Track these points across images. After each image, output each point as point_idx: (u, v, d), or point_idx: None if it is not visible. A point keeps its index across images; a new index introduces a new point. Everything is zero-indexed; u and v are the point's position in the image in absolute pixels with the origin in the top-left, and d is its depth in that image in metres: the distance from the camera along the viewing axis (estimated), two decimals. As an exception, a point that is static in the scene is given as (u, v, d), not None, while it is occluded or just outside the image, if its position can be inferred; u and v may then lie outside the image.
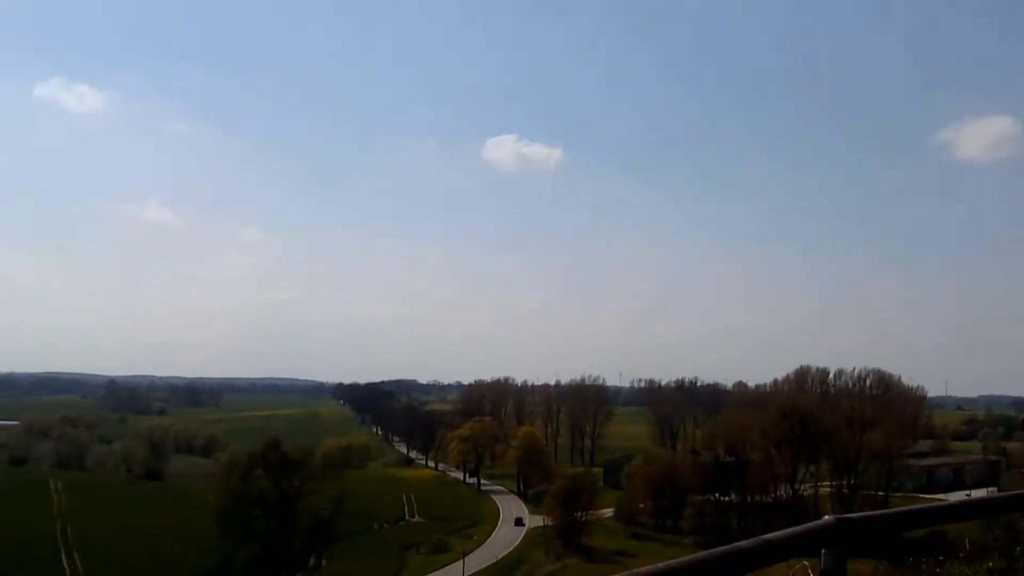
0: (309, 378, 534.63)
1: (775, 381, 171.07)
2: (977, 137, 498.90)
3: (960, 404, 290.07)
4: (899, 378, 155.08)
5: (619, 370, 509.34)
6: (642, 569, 3.42)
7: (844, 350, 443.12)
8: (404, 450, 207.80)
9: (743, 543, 4.08)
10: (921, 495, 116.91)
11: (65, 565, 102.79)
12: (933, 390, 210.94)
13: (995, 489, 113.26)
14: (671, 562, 3.64)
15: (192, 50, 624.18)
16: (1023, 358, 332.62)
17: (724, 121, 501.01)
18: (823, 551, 4.54)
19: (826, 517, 4.66)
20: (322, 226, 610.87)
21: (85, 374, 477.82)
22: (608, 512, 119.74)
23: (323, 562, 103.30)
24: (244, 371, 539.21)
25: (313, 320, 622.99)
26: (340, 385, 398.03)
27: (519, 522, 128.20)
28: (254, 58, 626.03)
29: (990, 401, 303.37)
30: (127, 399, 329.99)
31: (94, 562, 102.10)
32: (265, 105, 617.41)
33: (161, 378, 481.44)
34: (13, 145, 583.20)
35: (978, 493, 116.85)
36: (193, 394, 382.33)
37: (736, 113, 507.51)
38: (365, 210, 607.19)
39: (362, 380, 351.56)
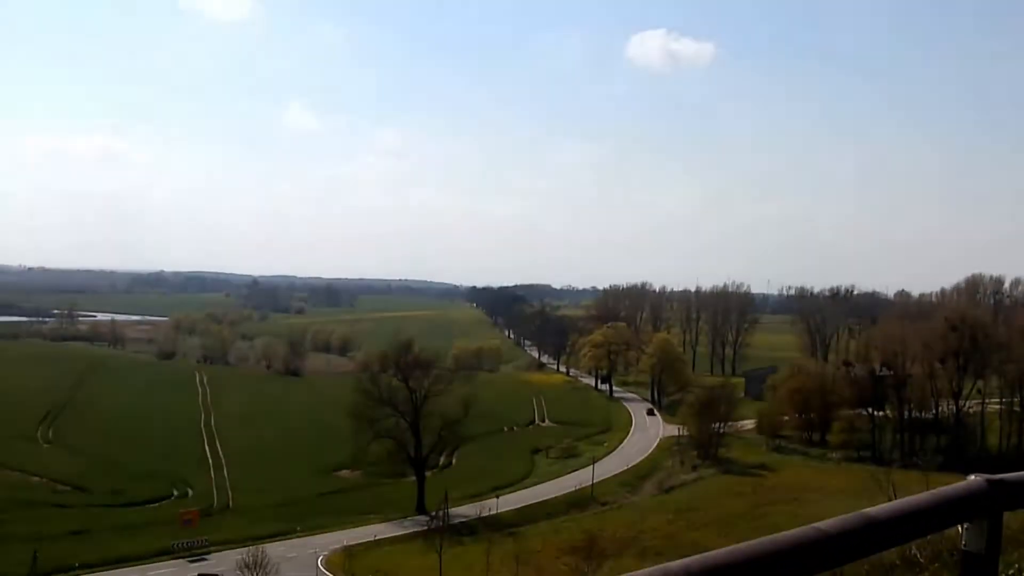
0: (443, 281, 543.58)
1: (942, 291, 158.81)
2: None
3: None
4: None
5: (766, 277, 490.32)
6: (718, 551, 2.35)
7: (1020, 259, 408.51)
8: (536, 355, 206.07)
9: (821, 524, 2.54)
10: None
11: (207, 451, 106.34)
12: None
13: None
14: (725, 550, 2.36)
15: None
16: None
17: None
18: (966, 526, 3.03)
19: (971, 477, 3.10)
20: (460, 130, 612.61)
21: (229, 274, 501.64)
22: (749, 424, 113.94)
23: (453, 461, 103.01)
24: (380, 273, 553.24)
25: (448, 224, 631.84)
26: (473, 288, 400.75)
27: (651, 412, 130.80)
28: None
29: None
30: (268, 298, 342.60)
31: (234, 449, 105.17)
32: (411, 8, 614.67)
33: (301, 279, 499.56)
34: (160, 49, 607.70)
35: None
36: (331, 294, 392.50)
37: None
38: (506, 113, 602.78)
39: (495, 284, 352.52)
